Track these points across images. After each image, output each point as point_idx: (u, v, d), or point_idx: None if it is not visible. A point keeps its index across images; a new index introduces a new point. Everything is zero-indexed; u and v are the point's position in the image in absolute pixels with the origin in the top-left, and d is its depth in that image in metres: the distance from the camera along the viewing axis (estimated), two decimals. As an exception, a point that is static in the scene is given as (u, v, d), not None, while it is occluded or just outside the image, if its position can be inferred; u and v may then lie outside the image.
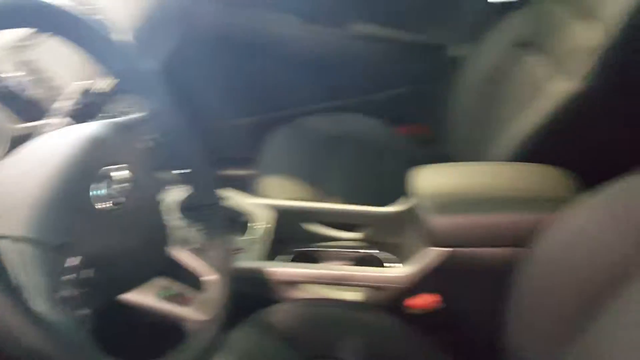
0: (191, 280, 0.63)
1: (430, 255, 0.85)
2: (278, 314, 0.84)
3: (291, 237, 1.07)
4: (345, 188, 1.21)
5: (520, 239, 0.79)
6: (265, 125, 1.41)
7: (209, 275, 0.64)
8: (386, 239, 1.07)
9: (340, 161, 1.29)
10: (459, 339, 0.88)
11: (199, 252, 0.65)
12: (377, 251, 1.08)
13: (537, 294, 0.74)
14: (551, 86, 0.97)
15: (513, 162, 0.98)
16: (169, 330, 0.58)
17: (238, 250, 0.95)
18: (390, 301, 0.90)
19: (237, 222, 1.01)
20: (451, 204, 0.86)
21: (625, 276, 0.63)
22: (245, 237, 0.98)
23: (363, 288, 0.93)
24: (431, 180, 0.92)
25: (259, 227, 1.01)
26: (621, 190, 0.69)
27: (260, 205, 1.06)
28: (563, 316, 0.69)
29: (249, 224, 1.01)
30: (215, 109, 1.51)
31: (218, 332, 0.61)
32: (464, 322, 0.88)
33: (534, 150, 0.97)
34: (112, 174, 0.55)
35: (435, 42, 1.50)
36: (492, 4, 1.31)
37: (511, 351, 0.77)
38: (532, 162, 0.94)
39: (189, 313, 0.59)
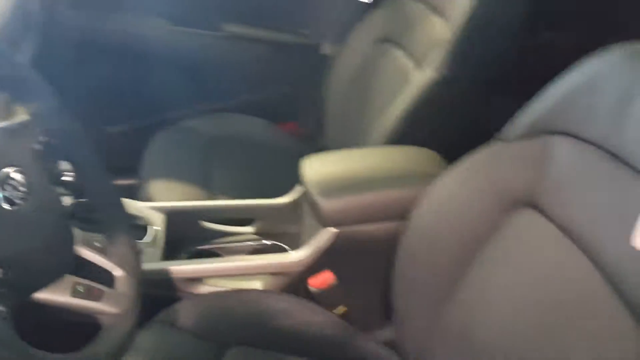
0: (100, 276, 0.62)
1: (324, 236, 0.92)
2: (184, 310, 0.84)
3: (187, 237, 1.07)
4: (232, 186, 1.23)
5: (399, 212, 0.89)
6: (145, 131, 1.38)
7: (117, 271, 0.64)
8: (280, 229, 1.12)
9: (225, 160, 1.31)
10: (356, 309, 0.95)
11: (103, 250, 0.64)
12: (272, 242, 1.12)
13: (417, 258, 0.83)
14: (413, 77, 1.08)
15: (386, 146, 1.09)
16: (83, 325, 0.58)
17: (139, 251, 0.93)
18: (292, 284, 0.94)
19: (133, 226, 0.99)
20: (337, 187, 0.94)
21: (489, 233, 0.74)
22: (141, 241, 0.97)
23: (265, 276, 0.96)
24: (318, 167, 0.99)
25: (152, 230, 1.00)
26: (479, 160, 0.80)
27: (150, 208, 1.05)
28: (439, 274, 0.78)
29: (143, 228, 1.00)
30: (89, 116, 1.44)
31: (132, 324, 0.62)
32: (359, 292, 0.96)
33: (403, 135, 1.07)
34: (5, 176, 0.53)
35: (307, 42, 1.55)
36: (360, 2, 1.39)
37: (399, 312, 0.86)
38: (403, 144, 1.05)
39: (102, 307, 0.60)
